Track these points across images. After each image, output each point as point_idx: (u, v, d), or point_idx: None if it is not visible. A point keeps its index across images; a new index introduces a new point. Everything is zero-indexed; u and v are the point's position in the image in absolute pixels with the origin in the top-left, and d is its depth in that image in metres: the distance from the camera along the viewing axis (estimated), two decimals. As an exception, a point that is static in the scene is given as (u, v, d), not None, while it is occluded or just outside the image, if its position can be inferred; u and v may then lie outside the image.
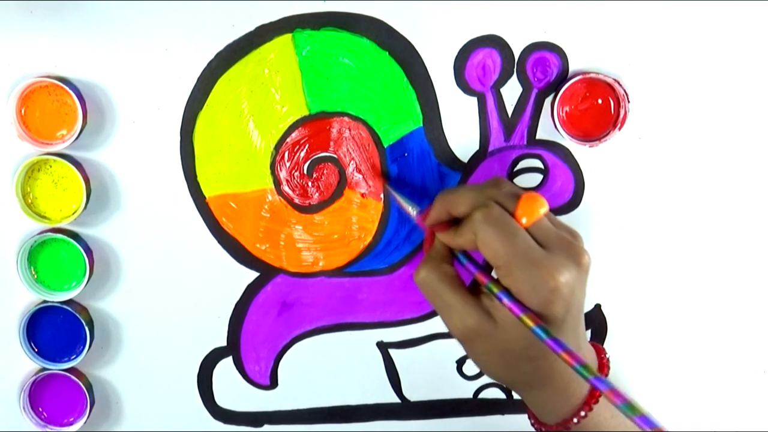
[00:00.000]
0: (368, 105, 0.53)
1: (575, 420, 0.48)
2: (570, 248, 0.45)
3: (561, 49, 0.53)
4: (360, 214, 0.55)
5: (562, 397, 0.48)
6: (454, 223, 0.47)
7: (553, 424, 0.49)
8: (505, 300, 0.44)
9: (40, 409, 0.57)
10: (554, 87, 0.53)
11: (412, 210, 0.51)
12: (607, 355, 0.51)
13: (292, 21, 0.51)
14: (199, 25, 0.51)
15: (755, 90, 0.54)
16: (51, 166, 0.53)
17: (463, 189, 0.48)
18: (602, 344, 0.58)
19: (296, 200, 0.55)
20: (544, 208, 0.45)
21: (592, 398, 0.47)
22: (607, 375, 0.49)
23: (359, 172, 0.54)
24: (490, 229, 0.44)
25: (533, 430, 0.51)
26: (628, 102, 0.53)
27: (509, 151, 0.55)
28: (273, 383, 0.58)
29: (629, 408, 0.42)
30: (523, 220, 0.45)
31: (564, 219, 0.55)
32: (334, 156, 0.54)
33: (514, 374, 0.48)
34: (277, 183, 0.54)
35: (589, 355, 0.49)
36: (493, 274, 0.46)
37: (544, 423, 0.50)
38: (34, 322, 0.55)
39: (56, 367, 0.55)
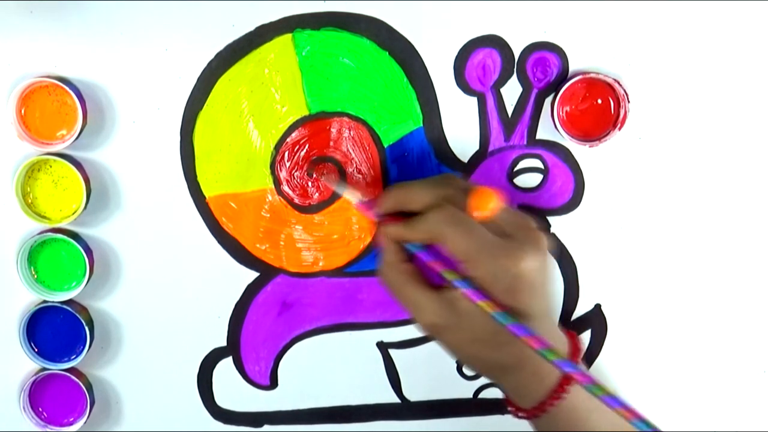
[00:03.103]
0: (368, 105, 0.53)
1: (552, 402, 0.48)
2: (528, 234, 0.47)
3: (561, 49, 0.53)
4: (360, 214, 0.55)
5: (536, 380, 0.48)
6: (402, 215, 0.49)
7: (530, 408, 0.49)
8: (463, 287, 0.45)
9: (40, 409, 0.56)
10: (554, 87, 0.53)
11: (353, 198, 0.51)
12: (580, 341, 0.51)
13: (292, 21, 0.51)
14: (199, 25, 0.51)
15: (755, 90, 0.54)
16: (51, 166, 0.53)
17: (416, 185, 0.50)
18: (602, 344, 0.58)
19: (296, 200, 0.55)
20: (495, 201, 0.47)
21: (566, 380, 0.48)
22: (579, 359, 0.50)
23: (359, 172, 0.54)
24: (448, 228, 0.46)
25: (533, 430, 0.51)
26: (628, 102, 0.53)
27: (509, 151, 0.55)
28: (273, 383, 0.58)
29: (596, 388, 0.43)
30: (477, 214, 0.46)
31: (564, 219, 0.56)
32: (334, 156, 0.54)
33: (487, 362, 0.49)
34: (277, 183, 0.54)
35: (560, 340, 0.50)
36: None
37: (521, 408, 0.50)
38: (34, 322, 0.55)
39: (56, 367, 0.55)
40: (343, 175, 0.54)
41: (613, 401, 0.43)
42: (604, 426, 0.49)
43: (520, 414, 0.50)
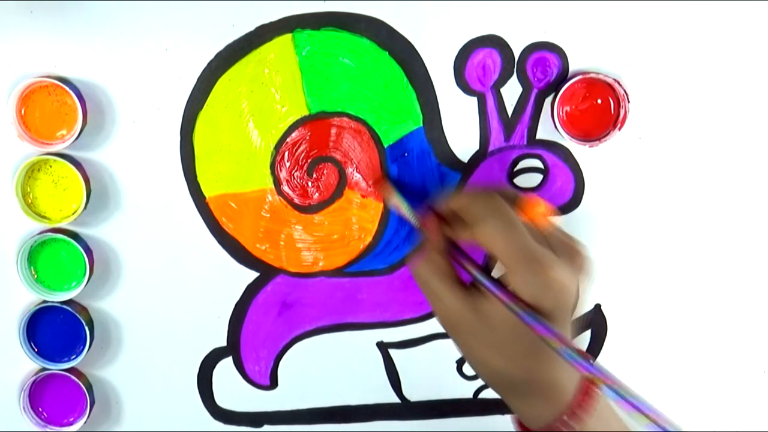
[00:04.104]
0: (368, 105, 0.53)
1: (560, 426, 0.47)
2: (569, 249, 0.47)
3: (561, 49, 0.53)
4: (360, 214, 0.55)
5: (544, 403, 0.47)
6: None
7: (537, 430, 0.48)
8: (492, 286, 0.45)
9: (40, 409, 0.57)
10: (554, 87, 0.53)
11: (413, 218, 0.51)
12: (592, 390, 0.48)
13: (292, 21, 0.51)
14: (199, 25, 0.51)
15: (755, 90, 0.54)
16: (51, 166, 0.53)
17: (475, 197, 0.48)
18: (602, 344, 0.58)
19: (296, 200, 0.55)
20: (544, 209, 0.47)
21: (577, 406, 0.46)
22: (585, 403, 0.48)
23: (359, 172, 0.54)
24: (491, 219, 0.45)
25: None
26: (628, 102, 0.53)
27: (509, 151, 0.55)
28: (273, 383, 0.58)
29: (617, 389, 0.42)
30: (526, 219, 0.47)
31: (564, 219, 0.56)
32: (334, 156, 0.54)
33: (496, 372, 0.48)
34: (277, 183, 0.54)
35: (573, 374, 0.47)
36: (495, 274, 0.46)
37: (529, 428, 0.49)
38: (34, 322, 0.55)
39: (56, 367, 0.55)
40: (343, 176, 0.54)
41: (639, 404, 0.43)
42: None
43: None
